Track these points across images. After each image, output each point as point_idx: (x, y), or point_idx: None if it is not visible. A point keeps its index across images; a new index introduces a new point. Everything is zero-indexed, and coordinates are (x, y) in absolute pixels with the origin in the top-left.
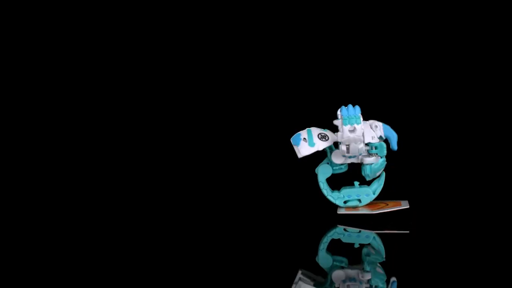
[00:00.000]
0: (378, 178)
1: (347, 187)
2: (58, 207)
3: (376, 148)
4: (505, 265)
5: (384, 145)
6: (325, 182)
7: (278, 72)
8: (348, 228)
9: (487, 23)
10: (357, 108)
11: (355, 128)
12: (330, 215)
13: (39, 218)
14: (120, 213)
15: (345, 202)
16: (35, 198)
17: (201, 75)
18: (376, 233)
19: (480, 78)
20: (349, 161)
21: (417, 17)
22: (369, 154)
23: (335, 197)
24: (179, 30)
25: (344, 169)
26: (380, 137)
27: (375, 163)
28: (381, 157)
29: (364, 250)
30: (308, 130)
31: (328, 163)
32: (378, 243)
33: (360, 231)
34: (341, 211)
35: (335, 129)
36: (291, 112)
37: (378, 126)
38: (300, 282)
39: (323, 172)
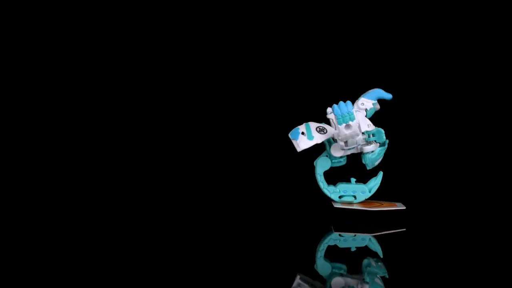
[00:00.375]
0: (375, 177)
1: (344, 183)
2: (58, 207)
3: (373, 135)
4: (501, 265)
5: (382, 130)
6: (322, 175)
7: (273, 69)
8: (343, 234)
9: (483, 22)
10: (349, 104)
11: (350, 124)
12: (326, 215)
13: (39, 218)
14: (121, 213)
15: (340, 197)
16: (35, 198)
17: (196, 71)
18: (372, 235)
19: (476, 78)
20: (349, 152)
21: (410, 13)
22: (368, 142)
23: (330, 190)
24: (179, 30)
25: (343, 162)
26: (374, 104)
27: (372, 153)
28: (380, 143)
29: (365, 262)
30: (306, 124)
31: (327, 156)
32: (375, 245)
33: (355, 235)
34: (337, 205)
35: (330, 123)
36: (286, 109)
37: (364, 102)
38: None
39: (321, 165)
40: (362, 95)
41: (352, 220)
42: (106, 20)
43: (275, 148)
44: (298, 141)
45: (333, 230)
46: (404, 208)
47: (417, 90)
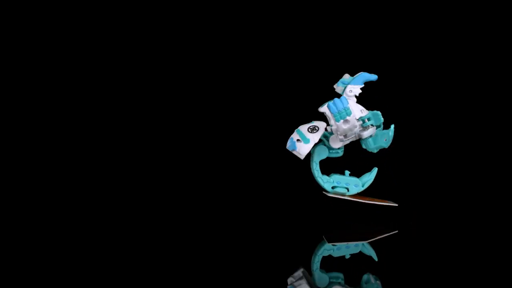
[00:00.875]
0: (369, 172)
1: (337, 174)
2: (58, 207)
3: (369, 119)
4: (497, 267)
5: (378, 113)
6: (318, 163)
7: (255, 67)
8: (336, 243)
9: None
10: (344, 99)
11: (348, 119)
12: (318, 220)
13: (39, 218)
14: (120, 213)
15: (333, 187)
16: (35, 198)
17: (188, 71)
18: (365, 242)
19: (471, 77)
20: (348, 141)
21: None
22: (364, 127)
23: (324, 180)
24: (172, 30)
25: (340, 153)
26: (361, 88)
27: (389, 131)
28: (378, 126)
29: (364, 277)
30: (297, 130)
31: (325, 145)
32: (369, 251)
33: (348, 243)
34: (329, 194)
35: (320, 117)
36: (275, 107)
37: (352, 89)
38: (299, 279)
39: (318, 153)
40: (344, 84)
41: (345, 224)
42: (106, 20)
43: (266, 147)
44: (297, 149)
45: (325, 241)
46: (396, 205)
47: (414, 89)
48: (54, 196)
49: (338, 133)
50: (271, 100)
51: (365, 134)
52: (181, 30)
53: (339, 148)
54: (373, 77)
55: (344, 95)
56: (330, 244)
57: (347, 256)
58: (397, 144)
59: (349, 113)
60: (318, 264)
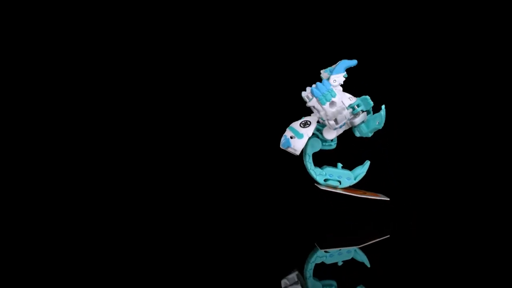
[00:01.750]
0: (361, 165)
1: (330, 167)
2: (58, 207)
3: (358, 105)
4: (493, 266)
5: (367, 97)
6: (311, 155)
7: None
8: (329, 250)
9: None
10: (325, 81)
11: (334, 101)
12: (312, 225)
13: (39, 218)
14: (116, 212)
15: (325, 180)
16: (35, 198)
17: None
18: (357, 247)
19: (467, 76)
20: (341, 130)
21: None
22: (355, 114)
23: (317, 172)
24: (162, 30)
25: (333, 146)
26: (345, 76)
27: (381, 111)
28: (369, 112)
29: None
30: (289, 128)
31: (318, 137)
32: (361, 257)
33: (340, 249)
34: (322, 187)
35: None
36: (263, 109)
37: (336, 79)
38: (294, 284)
39: (312, 145)
40: (331, 73)
41: (338, 223)
42: (106, 20)
43: (258, 145)
44: (292, 146)
45: (318, 248)
46: (388, 199)
47: (411, 89)
48: (54, 196)
49: (328, 118)
50: (261, 98)
51: (357, 120)
52: (168, 28)
53: (332, 140)
54: (353, 62)
55: (329, 83)
56: (323, 250)
57: (340, 263)
58: (392, 140)
59: (334, 94)
60: (311, 272)
